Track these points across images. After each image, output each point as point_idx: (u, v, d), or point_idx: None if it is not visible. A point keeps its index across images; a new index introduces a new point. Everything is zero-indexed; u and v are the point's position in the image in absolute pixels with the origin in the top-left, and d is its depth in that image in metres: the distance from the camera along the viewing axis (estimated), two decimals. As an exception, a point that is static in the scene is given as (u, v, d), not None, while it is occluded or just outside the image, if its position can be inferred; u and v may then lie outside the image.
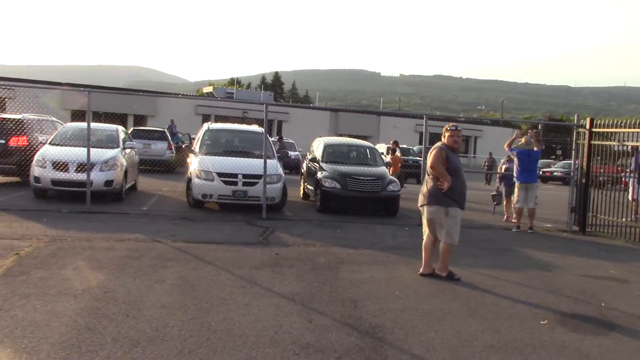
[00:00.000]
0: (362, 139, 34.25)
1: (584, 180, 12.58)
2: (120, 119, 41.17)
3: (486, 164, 32.31)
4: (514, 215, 12.46)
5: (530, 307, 6.36)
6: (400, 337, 5.17)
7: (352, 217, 12.52)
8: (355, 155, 15.13)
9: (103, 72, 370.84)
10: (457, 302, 6.42)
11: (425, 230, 7.62)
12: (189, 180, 12.64)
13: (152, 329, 4.96)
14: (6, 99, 28.45)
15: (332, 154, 14.45)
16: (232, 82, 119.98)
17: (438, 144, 7.52)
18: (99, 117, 35.29)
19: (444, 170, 7.23)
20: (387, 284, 7.00)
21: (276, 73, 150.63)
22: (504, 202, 13.84)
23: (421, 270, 7.59)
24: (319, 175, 13.37)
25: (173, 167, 21.11)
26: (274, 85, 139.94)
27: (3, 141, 14.33)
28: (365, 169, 13.75)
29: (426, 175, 7.55)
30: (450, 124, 7.65)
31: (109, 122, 17.95)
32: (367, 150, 15.36)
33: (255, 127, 14.84)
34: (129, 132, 22.64)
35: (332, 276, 7.25)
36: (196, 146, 13.60)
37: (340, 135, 41.73)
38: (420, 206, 7.55)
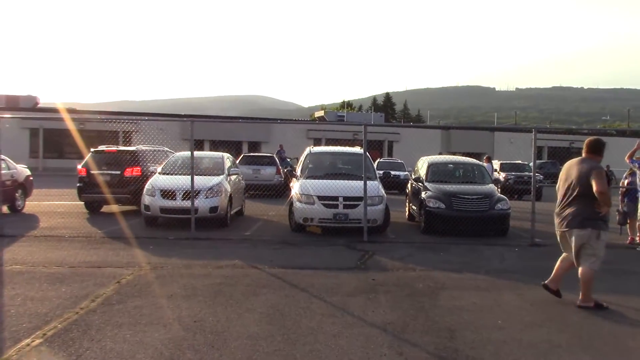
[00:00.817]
0: (476, 156, 33.20)
1: None
2: (236, 146, 42.69)
3: None
4: (638, 234, 11.35)
5: (653, 339, 5.64)
6: (498, 373, 4.71)
7: (457, 239, 11.95)
8: (461, 174, 14.54)
9: (222, 102, 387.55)
10: (567, 333, 5.81)
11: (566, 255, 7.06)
12: (291, 204, 12.63)
13: (235, 361, 4.82)
14: (132, 132, 30.32)
15: (437, 172, 13.95)
16: (343, 105, 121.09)
17: (593, 163, 6.75)
18: (215, 145, 36.83)
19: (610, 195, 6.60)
20: (489, 312, 6.50)
21: (387, 94, 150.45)
22: (629, 222, 12.40)
23: (550, 282, 7.13)
24: (423, 195, 12.93)
25: (281, 192, 21.35)
26: (385, 106, 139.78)
27: (119, 172, 15.07)
28: (471, 187, 13.15)
29: (571, 196, 6.74)
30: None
31: (225, 150, 18.56)
32: (474, 168, 14.71)
33: (356, 149, 14.65)
34: (240, 158, 23.37)
35: (430, 303, 6.84)
36: (298, 170, 13.63)
37: (453, 153, 40.79)
38: (565, 230, 6.85)
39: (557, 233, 7.04)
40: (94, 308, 6.34)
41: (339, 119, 76.60)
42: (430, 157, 15.21)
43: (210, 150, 33.87)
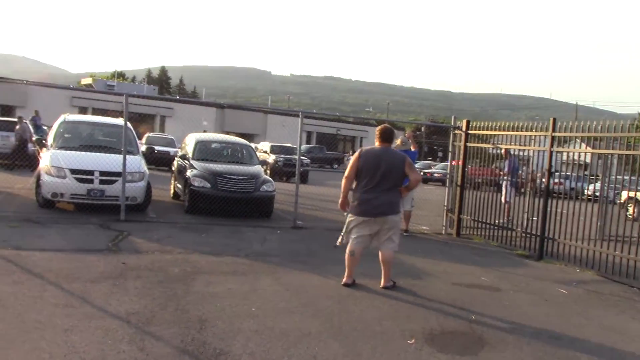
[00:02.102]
0: (248, 137, 33.27)
1: (459, 182, 12.44)
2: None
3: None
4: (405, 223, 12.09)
5: (398, 323, 5.79)
6: (246, 366, 4.41)
7: (222, 219, 11.63)
8: (229, 153, 14.21)
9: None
10: (319, 319, 5.73)
11: (357, 239, 7.12)
12: (39, 177, 11.25)
13: None
14: None
15: (204, 151, 13.46)
16: (115, 75, 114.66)
17: (400, 154, 7.34)
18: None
19: None
20: (245, 298, 6.21)
21: (163, 67, 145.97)
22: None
23: (346, 279, 7.19)
24: (189, 173, 12.38)
25: (35, 163, 19.23)
26: (160, 79, 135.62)
27: None
28: (238, 168, 12.87)
29: (384, 184, 6.95)
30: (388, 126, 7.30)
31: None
32: (242, 148, 14.49)
33: (118, 120, 13.54)
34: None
35: (183, 290, 6.36)
36: (50, 139, 12.19)
37: (227, 132, 40.66)
38: (380, 217, 6.96)
39: (359, 219, 7.07)
40: None
41: (109, 88, 72.38)
42: (198, 134, 14.67)
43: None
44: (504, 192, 13.24)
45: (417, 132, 73.43)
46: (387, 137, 7.20)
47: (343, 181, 7.17)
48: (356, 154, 7.26)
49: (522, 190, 12.36)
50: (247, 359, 4.56)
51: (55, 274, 6.51)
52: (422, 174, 34.45)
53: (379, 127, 7.29)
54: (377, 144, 7.23)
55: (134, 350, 4.52)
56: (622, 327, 6.42)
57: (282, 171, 25.71)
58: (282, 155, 27.10)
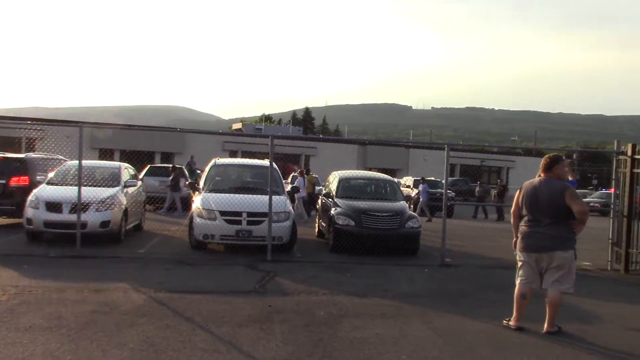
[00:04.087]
0: (391, 173, 33.12)
1: (626, 213, 11.26)
2: (148, 157, 40.96)
3: (477, 194, 28.30)
4: None
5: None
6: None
7: (366, 258, 11.36)
8: (373, 190, 14.03)
9: (140, 112, 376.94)
10: (476, 369, 5.23)
11: (523, 278, 6.65)
12: (191, 219, 11.69)
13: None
14: (36, 140, 28.36)
15: (348, 188, 13.38)
16: (262, 118, 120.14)
17: (562, 184, 6.61)
18: (125, 155, 35.09)
19: None
20: (394, 345, 5.85)
21: (307, 108, 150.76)
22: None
23: (515, 322, 6.66)
24: (332, 211, 12.30)
25: (190, 205, 20.27)
26: (304, 120, 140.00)
27: (4, 181, 13.63)
28: (382, 204, 12.61)
29: (546, 218, 6.46)
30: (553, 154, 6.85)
31: (136, 160, 17.41)
32: (386, 184, 14.22)
33: (264, 162, 13.84)
34: (146, 169, 22.11)
35: (329, 334, 6.12)
36: (201, 183, 12.72)
37: (369, 169, 40.75)
38: (544, 253, 6.47)
39: (524, 255, 6.61)
40: None
41: (257, 132, 75.68)
42: (341, 171, 14.64)
43: (121, 160, 32.23)
44: None
45: (569, 159, 69.52)
46: (546, 166, 6.65)
47: (511, 218, 6.92)
48: (519, 189, 6.87)
49: None
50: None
51: (205, 317, 6.55)
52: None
53: (543, 157, 6.80)
54: (540, 175, 6.71)
55: (280, 401, 4.32)
56: None
57: (426, 206, 25.05)
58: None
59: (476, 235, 16.51)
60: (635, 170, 11.20)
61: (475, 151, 61.58)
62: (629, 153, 11.28)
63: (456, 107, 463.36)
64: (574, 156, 65.64)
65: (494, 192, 27.77)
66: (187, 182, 20.50)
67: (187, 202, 18.94)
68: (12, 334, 5.69)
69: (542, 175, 6.68)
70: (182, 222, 14.51)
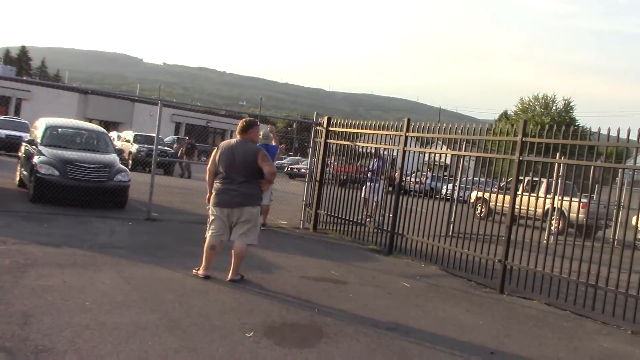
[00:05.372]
0: (113, 126, 31.78)
1: (318, 178, 12.62)
2: None
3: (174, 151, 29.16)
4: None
5: (240, 316, 5.72)
6: (70, 363, 4.15)
7: (70, 209, 10.99)
8: (83, 140, 13.46)
9: None
10: (157, 313, 5.53)
11: (214, 231, 7.09)
12: None
13: None
14: None
15: (55, 136, 12.66)
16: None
17: (255, 146, 7.26)
18: None
19: None
20: (80, 292, 5.88)
21: (23, 47, 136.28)
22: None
23: (204, 271, 7.08)
24: (35, 159, 11.58)
25: None
26: (19, 59, 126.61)
27: None
28: (90, 156, 12.18)
29: (240, 176, 7.00)
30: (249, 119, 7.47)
31: None
32: (97, 135, 13.75)
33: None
34: None
35: (12, 282, 5.91)
36: None
37: (90, 120, 38.65)
38: (237, 208, 6.97)
39: (216, 210, 7.08)
40: None
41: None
42: (49, 118, 13.74)
43: None
44: (367, 190, 13.22)
45: (289, 129, 74.18)
46: (242, 129, 7.24)
47: (207, 175, 7.28)
48: (216, 147, 7.33)
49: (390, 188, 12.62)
50: (72, 356, 4.30)
51: None
52: (289, 169, 34.87)
53: (240, 121, 7.34)
54: (237, 136, 7.25)
55: (-60, 348, 4.12)
56: (457, 318, 6.77)
57: (144, 161, 24.79)
58: (146, 145, 26.10)
59: (189, 192, 16.95)
60: (329, 141, 12.57)
61: (202, 111, 62.27)
62: (325, 125, 12.61)
63: (189, 65, 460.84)
64: (294, 125, 70.26)
65: (182, 149, 28.83)
66: None
67: None
68: None
69: (238, 137, 7.24)
70: None
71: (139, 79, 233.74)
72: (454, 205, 12.19)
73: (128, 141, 27.51)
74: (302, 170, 34.85)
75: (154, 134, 29.31)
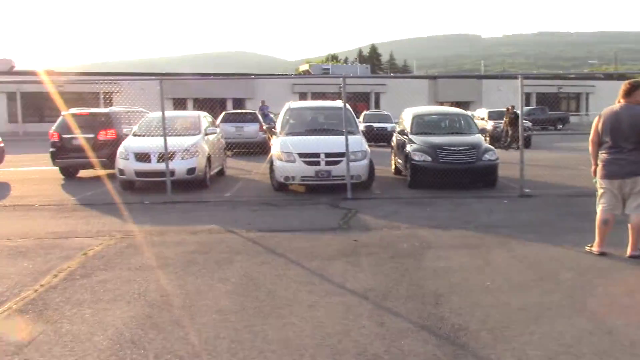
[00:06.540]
0: (464, 106, 32.48)
1: None
2: (220, 104, 41.89)
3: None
4: None
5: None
6: (487, 342, 4.31)
7: (445, 192, 11.55)
8: (447, 125, 14.04)
9: (206, 59, 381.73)
10: (559, 293, 5.41)
11: (605, 205, 6.66)
12: (272, 162, 12.14)
13: (201, 341, 4.40)
14: (113, 93, 29.54)
15: (422, 124, 13.45)
16: (329, 58, 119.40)
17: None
18: (199, 103, 36.12)
19: None
20: (478, 273, 6.10)
21: (372, 45, 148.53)
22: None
23: (599, 248, 6.70)
24: (408, 148, 12.46)
25: (265, 149, 20.84)
26: (371, 57, 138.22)
27: (92, 135, 14.45)
28: (457, 139, 12.67)
29: (630, 144, 6.43)
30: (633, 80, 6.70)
31: (209, 108, 18.02)
32: (460, 118, 14.19)
33: (337, 103, 14.07)
34: (221, 116, 22.71)
35: (414, 265, 6.43)
36: (278, 126, 13.11)
37: (441, 103, 40.17)
38: (629, 178, 6.46)
39: (605, 182, 6.60)
40: (55, 284, 5.88)
41: (324, 72, 75.38)
42: (414, 108, 14.65)
43: (194, 109, 33.15)
44: None
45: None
46: (626, 92, 6.57)
47: (589, 146, 6.80)
48: (598, 116, 6.77)
49: None
50: (485, 336, 4.46)
51: (296, 253, 6.98)
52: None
53: (623, 83, 6.68)
54: (619, 101, 6.65)
55: (373, 325, 4.67)
56: None
57: (502, 137, 24.70)
58: (500, 121, 25.97)
59: (556, 165, 16.33)
60: None
61: (551, 78, 59.36)
62: None
63: (527, 32, 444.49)
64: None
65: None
66: (264, 127, 21.07)
67: (263, 147, 19.55)
68: (126, 272, 6.29)
69: (621, 101, 6.62)
70: (261, 166, 15.05)
71: (480, 55, 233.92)
72: None
73: (482, 119, 27.72)
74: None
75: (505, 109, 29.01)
